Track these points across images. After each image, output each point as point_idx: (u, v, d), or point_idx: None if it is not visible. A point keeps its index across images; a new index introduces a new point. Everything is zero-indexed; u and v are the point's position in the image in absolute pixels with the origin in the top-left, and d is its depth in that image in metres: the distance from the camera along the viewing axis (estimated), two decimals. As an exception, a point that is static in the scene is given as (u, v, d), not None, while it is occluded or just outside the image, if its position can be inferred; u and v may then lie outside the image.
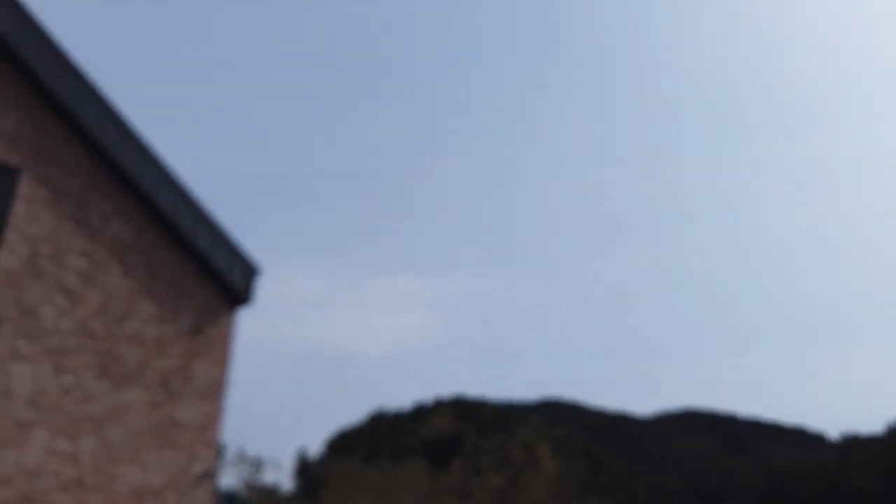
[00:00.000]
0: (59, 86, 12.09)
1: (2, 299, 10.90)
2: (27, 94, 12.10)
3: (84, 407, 11.44)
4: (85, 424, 11.38)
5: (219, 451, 13.70)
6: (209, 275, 13.89)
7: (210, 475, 12.89)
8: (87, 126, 12.32)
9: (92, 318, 11.92)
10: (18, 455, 10.52)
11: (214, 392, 13.35)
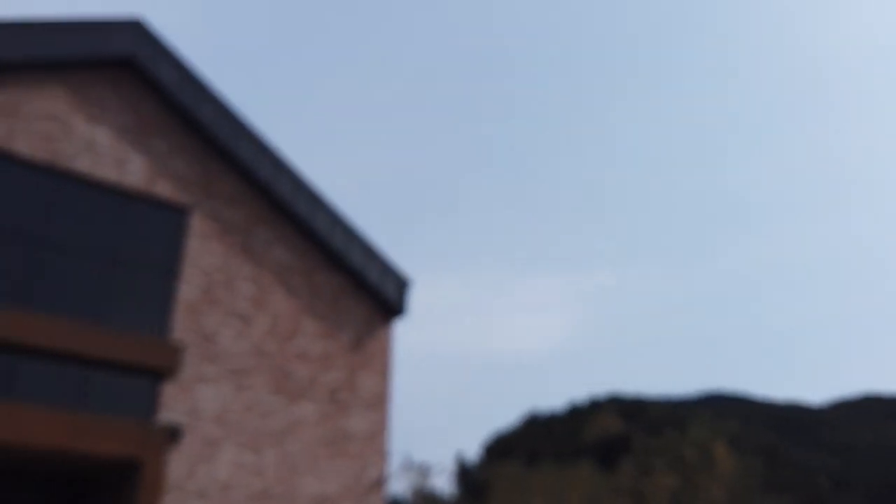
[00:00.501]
0: (217, 128, 13.07)
1: (185, 327, 11.91)
2: (190, 138, 13.19)
3: (264, 422, 12.24)
4: (266, 438, 12.17)
5: (387, 459, 14.19)
6: (365, 290, 14.46)
7: (382, 482, 13.37)
8: (245, 161, 13.23)
9: (263, 338, 12.75)
10: (211, 469, 11.42)
11: (380, 402, 13.85)
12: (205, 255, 12.58)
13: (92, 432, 10.31)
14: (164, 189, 12.51)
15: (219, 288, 12.53)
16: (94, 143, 12.00)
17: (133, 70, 12.85)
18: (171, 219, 12.55)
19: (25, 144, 11.31)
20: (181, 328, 11.87)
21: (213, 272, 12.58)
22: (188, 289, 12.18)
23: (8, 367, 10.20)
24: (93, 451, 10.24)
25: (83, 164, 11.76)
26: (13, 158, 11.24)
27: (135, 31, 12.60)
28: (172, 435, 11.00)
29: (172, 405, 11.37)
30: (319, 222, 13.88)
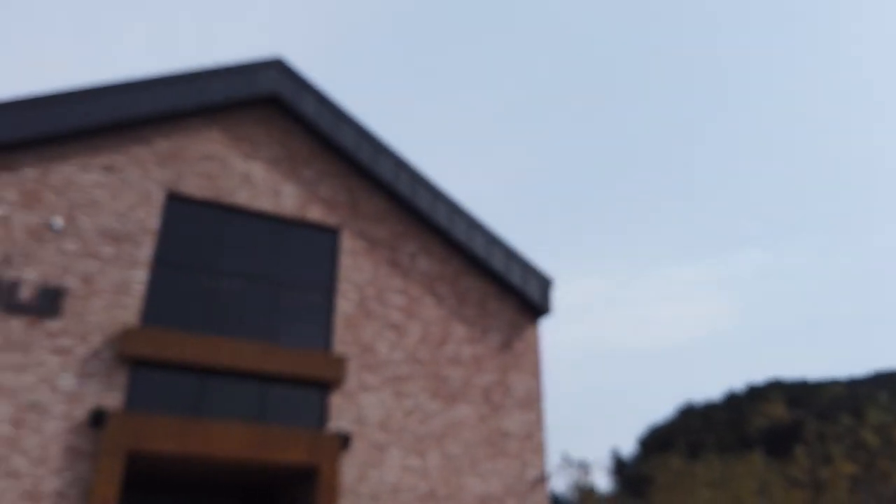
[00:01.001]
0: (357, 150, 13.80)
1: (345, 340, 12.65)
2: (333, 163, 14.00)
3: (425, 426, 12.75)
4: (428, 441, 12.67)
5: (546, 457, 14.31)
6: (509, 292, 14.69)
7: (544, 480, 13.52)
8: (386, 179, 13.86)
9: (417, 346, 13.29)
10: (380, 473, 12.06)
11: (533, 401, 14.02)
12: (357, 272, 13.31)
13: (273, 443, 11.20)
14: (315, 213, 13.36)
15: (372, 301, 13.21)
16: (249, 177, 13.04)
17: (277, 105, 13.83)
18: (324, 240, 13.38)
19: (191, 184, 12.49)
20: (342, 341, 12.63)
21: (366, 286, 13.28)
22: (345, 304, 12.93)
23: (198, 387, 11.30)
24: (275, 459, 11.13)
25: (242, 197, 12.82)
26: (182, 198, 12.44)
27: (277, 69, 13.56)
28: (344, 442, 11.73)
29: (340, 414, 12.12)
30: (459, 230, 14.27)
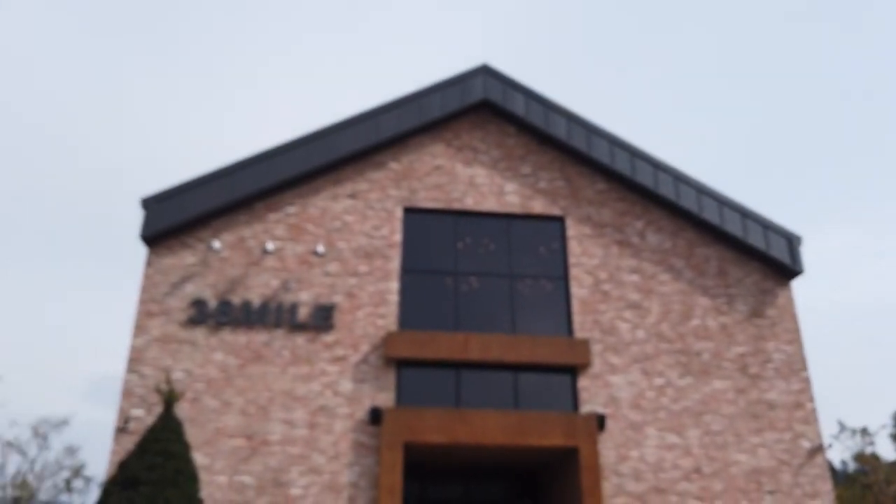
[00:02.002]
0: (570, 138, 14.01)
1: (585, 324, 12.89)
2: (549, 154, 14.33)
3: (679, 403, 12.55)
4: (685, 418, 12.45)
5: (819, 426, 13.26)
6: (750, 256, 13.93)
7: (821, 450, 12.60)
8: (601, 161, 13.90)
9: (659, 323, 13.12)
10: (640, 453, 12.10)
11: (796, 369, 13.14)
12: (585, 257, 13.49)
13: (530, 428, 11.78)
14: (538, 206, 13.79)
15: (606, 283, 13.31)
16: (474, 182, 13.82)
17: (489, 109, 14.50)
18: (551, 230, 13.75)
19: (424, 197, 13.54)
20: (581, 326, 12.89)
21: (597, 269, 13.41)
22: (579, 289, 13.18)
23: (455, 380, 12.24)
24: (534, 444, 11.69)
25: (469, 201, 13.62)
26: (418, 211, 13.54)
27: (484, 74, 14.24)
28: (600, 423, 11.96)
29: (591, 397, 12.38)
30: (687, 199, 13.84)
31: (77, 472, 14.60)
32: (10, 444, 14.22)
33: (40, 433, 14.44)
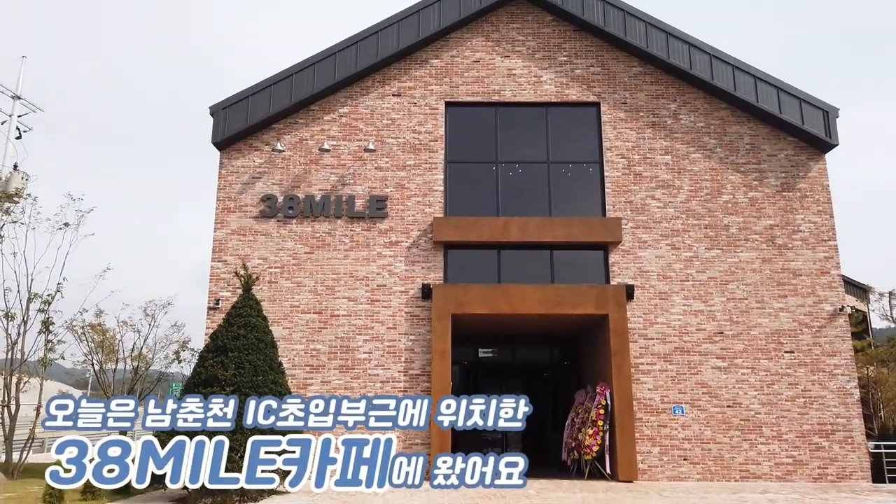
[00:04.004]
0: (605, 22, 14.41)
1: (618, 204, 13.86)
2: (585, 41, 14.80)
3: (705, 273, 13.59)
4: (711, 287, 13.52)
5: (843, 292, 14.03)
6: (784, 131, 14.30)
7: (842, 313, 13.46)
8: (637, 45, 14.32)
9: (689, 200, 13.95)
10: (666, 318, 13.35)
11: (823, 239, 13.82)
12: (619, 140, 14.25)
13: (565, 299, 13.16)
14: (574, 93, 14.49)
15: (638, 165, 14.12)
16: (512, 73, 14.57)
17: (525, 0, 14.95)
18: (586, 115, 14.50)
19: (464, 91, 14.44)
20: (614, 206, 13.88)
21: (630, 152, 14.19)
22: (613, 171, 14.07)
23: (496, 260, 13.64)
24: (568, 313, 13.12)
25: (508, 93, 14.45)
26: (459, 104, 14.50)
27: (518, -34, 14.58)
28: (628, 293, 13.21)
29: (622, 271, 13.57)
30: (722, 78, 14.20)
31: (184, 344, 17.09)
32: (125, 323, 16.76)
33: (149, 313, 16.89)
